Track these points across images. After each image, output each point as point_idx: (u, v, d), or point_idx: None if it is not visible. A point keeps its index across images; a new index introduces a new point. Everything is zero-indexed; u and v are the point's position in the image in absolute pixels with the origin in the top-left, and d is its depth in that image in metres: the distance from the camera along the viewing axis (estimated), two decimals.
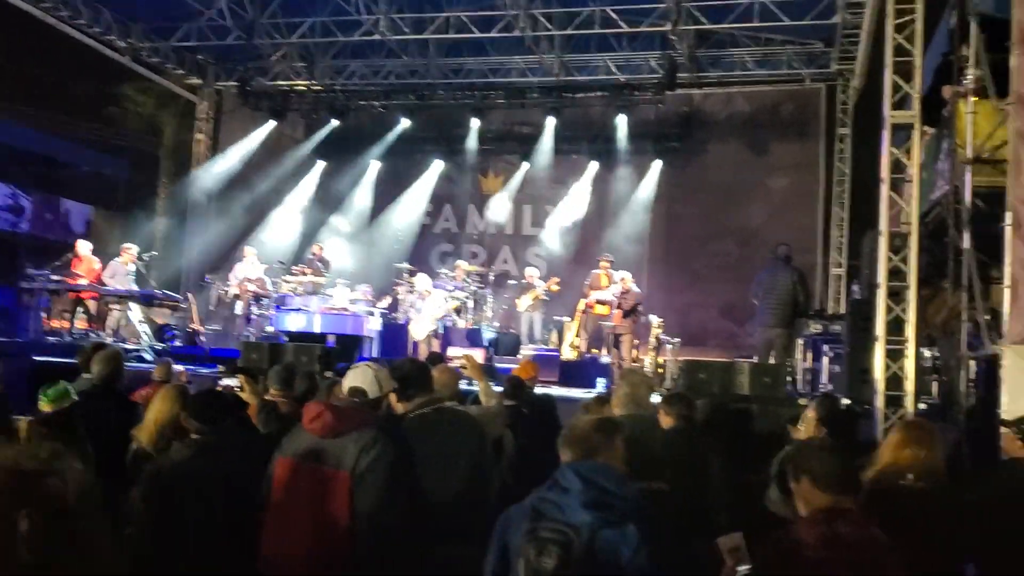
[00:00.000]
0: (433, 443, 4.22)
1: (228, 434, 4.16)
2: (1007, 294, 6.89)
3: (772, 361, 10.91)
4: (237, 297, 14.30)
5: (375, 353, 12.79)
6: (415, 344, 12.90)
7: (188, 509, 3.88)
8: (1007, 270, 6.90)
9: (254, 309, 14.11)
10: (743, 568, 2.99)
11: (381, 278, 15.64)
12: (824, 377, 12.14)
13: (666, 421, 5.24)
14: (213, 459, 3.96)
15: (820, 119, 16.21)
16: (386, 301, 14.61)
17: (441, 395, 4.66)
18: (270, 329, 13.69)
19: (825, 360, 12.22)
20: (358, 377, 4.12)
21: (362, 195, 18.62)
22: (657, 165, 17.05)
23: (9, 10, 14.26)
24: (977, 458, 7.41)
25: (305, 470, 3.75)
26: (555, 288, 14.47)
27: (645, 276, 15.95)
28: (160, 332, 13.37)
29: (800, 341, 12.43)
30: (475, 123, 17.24)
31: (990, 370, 7.61)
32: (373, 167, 18.53)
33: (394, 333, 13.50)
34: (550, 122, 16.82)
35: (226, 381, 7.71)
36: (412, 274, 14.33)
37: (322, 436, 3.73)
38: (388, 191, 18.55)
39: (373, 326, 13.70)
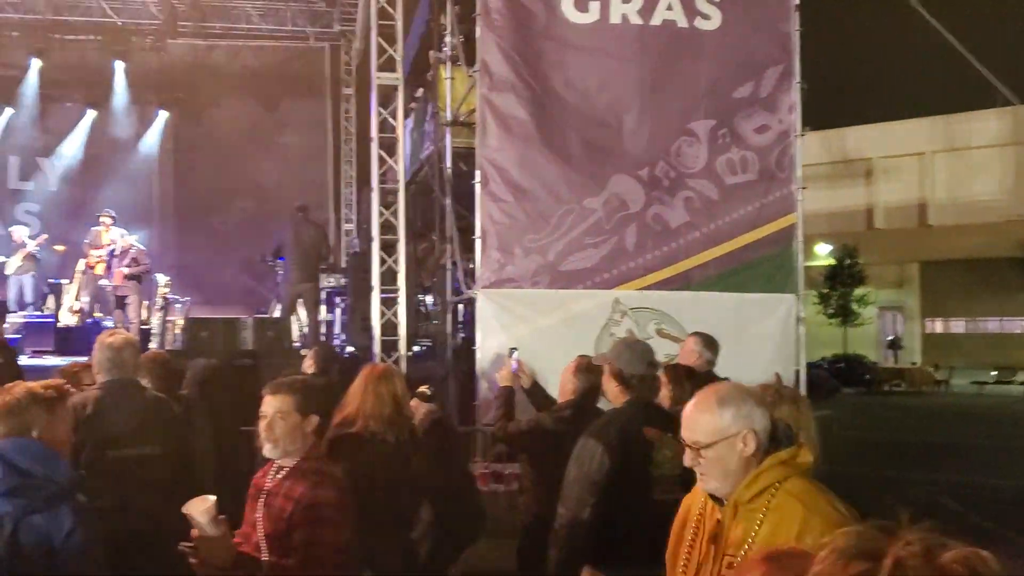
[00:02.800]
0: None
1: None
2: (479, 245, 7.75)
3: (303, 315, 11.02)
4: None
5: None
6: None
7: None
8: (478, 223, 7.76)
9: None
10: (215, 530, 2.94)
11: None
12: (337, 327, 12.65)
13: (154, 383, 5.08)
14: None
15: (326, 78, 16.58)
16: None
17: None
18: None
19: (338, 311, 12.73)
20: None
21: None
22: (163, 116, 16.22)
23: None
24: (462, 391, 8.32)
25: None
26: (59, 249, 13.16)
27: (154, 233, 15.17)
28: None
29: None
30: None
31: (472, 313, 8.54)
32: None
33: None
34: (35, 64, 15.18)
35: None
36: None
37: None
38: None
39: None
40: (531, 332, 7.36)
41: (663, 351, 5.36)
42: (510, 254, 7.66)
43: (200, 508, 2.94)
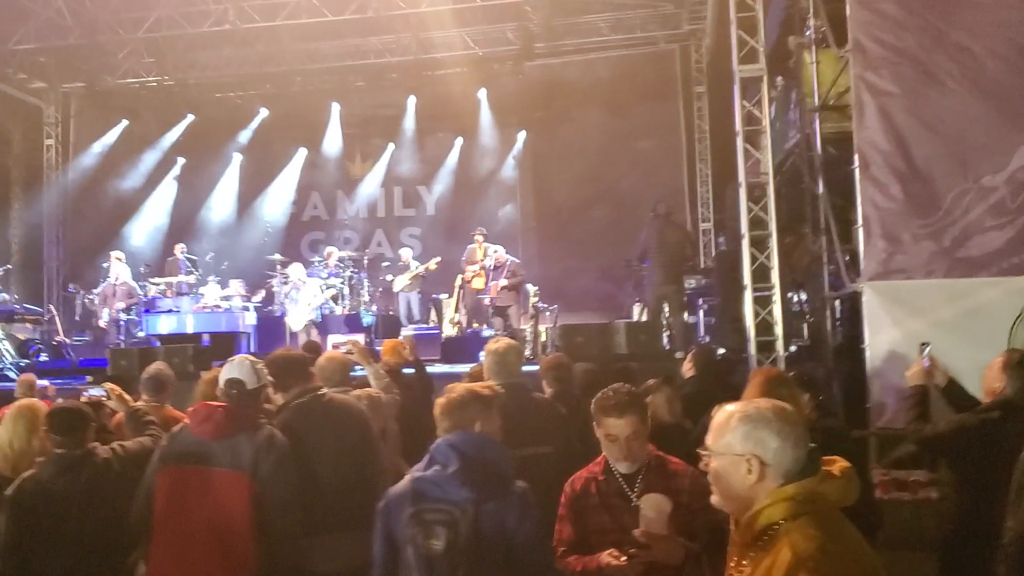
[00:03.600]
0: (314, 432, 4.14)
1: (90, 447, 3.96)
2: (861, 233, 7.22)
3: (668, 318, 11.03)
4: (104, 305, 13.72)
5: (253, 348, 12.47)
6: (293, 335, 12.62)
7: (58, 527, 3.70)
8: (859, 210, 7.22)
9: (122, 315, 13.55)
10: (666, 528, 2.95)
11: (253, 272, 15.21)
12: (701, 329, 12.49)
13: (545, 387, 5.28)
14: (78, 474, 3.77)
15: (677, 79, 16.54)
16: (260, 295, 14.24)
17: (319, 384, 4.55)
18: (141, 335, 13.19)
19: (701, 313, 12.57)
20: (236, 369, 3.99)
21: (226, 189, 18.07)
22: (522, 136, 17.15)
23: None
24: (847, 392, 7.78)
25: (196, 475, 3.65)
26: (433, 267, 14.39)
27: (520, 246, 16.02)
28: (23, 348, 12.82)
29: None
30: (336, 108, 17.08)
31: (852, 308, 7.98)
32: (235, 160, 18.00)
33: (271, 326, 13.20)
34: (411, 101, 16.81)
35: (92, 391, 7.34)
36: (285, 265, 13.98)
37: (212, 438, 3.66)
38: (253, 183, 18.05)
39: (248, 321, 13.36)
40: (928, 327, 6.67)
41: None
42: (897, 242, 7.04)
43: (658, 505, 2.97)
